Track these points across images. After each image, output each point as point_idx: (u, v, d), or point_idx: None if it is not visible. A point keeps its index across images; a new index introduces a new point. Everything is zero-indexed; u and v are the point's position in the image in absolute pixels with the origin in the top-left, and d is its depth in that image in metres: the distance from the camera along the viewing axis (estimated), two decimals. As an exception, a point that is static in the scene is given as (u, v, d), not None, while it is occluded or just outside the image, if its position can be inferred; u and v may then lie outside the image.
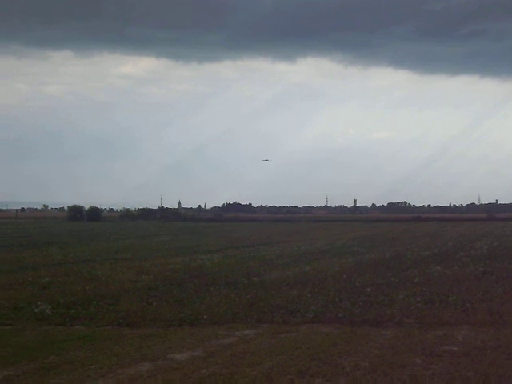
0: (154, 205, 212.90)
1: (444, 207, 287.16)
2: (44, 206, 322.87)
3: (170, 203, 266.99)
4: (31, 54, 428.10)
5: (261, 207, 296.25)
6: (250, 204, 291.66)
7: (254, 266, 38.11)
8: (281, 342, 17.75)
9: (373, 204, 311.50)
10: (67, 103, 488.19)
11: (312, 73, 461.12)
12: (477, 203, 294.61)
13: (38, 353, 16.53)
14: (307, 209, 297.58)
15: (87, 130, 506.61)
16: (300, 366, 14.82)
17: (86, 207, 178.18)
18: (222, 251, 51.76)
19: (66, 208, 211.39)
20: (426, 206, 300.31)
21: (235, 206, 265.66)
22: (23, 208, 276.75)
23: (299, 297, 25.13)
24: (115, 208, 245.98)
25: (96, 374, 14.29)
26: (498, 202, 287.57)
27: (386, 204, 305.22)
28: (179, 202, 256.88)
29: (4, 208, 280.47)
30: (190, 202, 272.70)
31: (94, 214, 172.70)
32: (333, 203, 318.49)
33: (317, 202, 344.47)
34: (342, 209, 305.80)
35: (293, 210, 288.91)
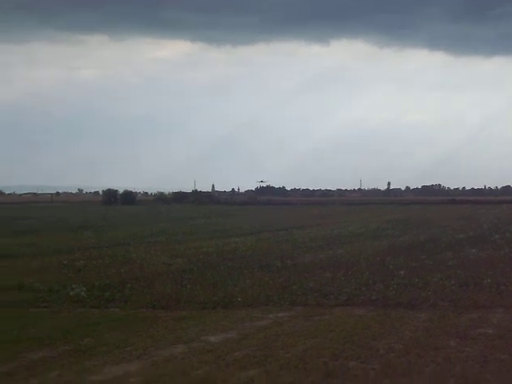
0: (187, 188, 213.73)
1: (479, 190, 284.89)
2: (79, 190, 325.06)
3: (204, 186, 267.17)
4: (66, 38, 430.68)
5: (294, 190, 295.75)
6: (283, 187, 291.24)
7: (287, 248, 38.11)
8: (314, 324, 17.76)
9: (407, 187, 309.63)
10: (101, 87, 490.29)
11: (346, 55, 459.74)
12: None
13: (73, 335, 16.68)
14: (341, 192, 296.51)
15: (121, 115, 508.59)
16: (334, 348, 14.82)
17: (121, 191, 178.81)
18: (255, 234, 51.81)
19: (100, 192, 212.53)
20: (460, 188, 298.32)
21: (268, 190, 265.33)
22: (58, 192, 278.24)
23: (333, 280, 25.09)
24: (149, 192, 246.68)
25: (131, 356, 14.39)
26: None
27: (420, 187, 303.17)
28: (213, 186, 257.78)
29: (40, 192, 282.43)
30: (223, 186, 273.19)
31: (128, 197, 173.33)
32: (366, 186, 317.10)
33: (350, 184, 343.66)
34: (375, 192, 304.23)
35: (326, 193, 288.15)
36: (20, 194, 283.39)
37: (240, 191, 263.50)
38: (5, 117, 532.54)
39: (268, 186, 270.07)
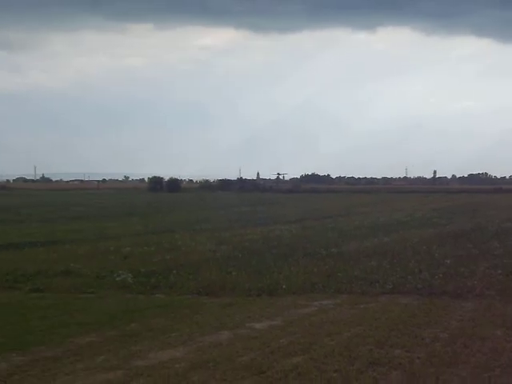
0: (232, 176, 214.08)
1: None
2: (125, 177, 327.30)
3: (249, 174, 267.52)
4: (112, 27, 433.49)
5: (339, 178, 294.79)
6: (328, 175, 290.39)
7: (332, 236, 38.05)
8: (359, 312, 17.75)
9: (453, 175, 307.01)
10: (147, 75, 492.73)
11: (393, 42, 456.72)
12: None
13: (119, 320, 16.86)
14: (386, 180, 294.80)
15: (166, 103, 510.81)
16: (379, 336, 14.80)
17: (166, 178, 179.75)
18: (300, 222, 51.78)
19: (146, 179, 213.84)
20: (507, 177, 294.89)
21: (313, 177, 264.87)
22: (104, 179, 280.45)
23: (378, 268, 25.01)
24: (194, 179, 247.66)
25: (176, 342, 14.50)
26: None
27: (466, 175, 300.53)
28: (258, 173, 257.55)
29: (86, 179, 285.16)
30: (268, 173, 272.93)
31: (174, 184, 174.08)
32: (412, 174, 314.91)
33: (396, 172, 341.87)
34: (421, 180, 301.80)
35: (371, 181, 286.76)
36: (67, 181, 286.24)
37: (285, 179, 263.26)
38: (52, 105, 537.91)
39: (313, 174, 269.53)
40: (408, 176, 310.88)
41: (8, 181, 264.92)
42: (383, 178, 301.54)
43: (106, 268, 25.47)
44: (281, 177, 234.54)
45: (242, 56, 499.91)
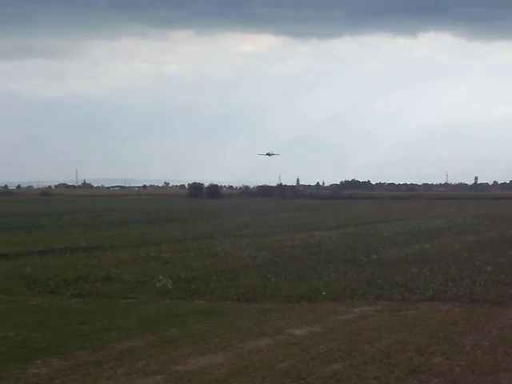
0: (272, 182, 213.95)
1: None
2: (165, 183, 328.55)
3: (289, 180, 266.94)
4: (153, 33, 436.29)
5: (379, 184, 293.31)
6: (368, 181, 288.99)
7: (372, 243, 37.93)
8: (399, 319, 17.68)
9: (494, 181, 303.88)
10: (187, 82, 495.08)
11: (433, 47, 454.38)
12: None
13: (159, 325, 16.95)
14: (427, 186, 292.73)
15: (206, 109, 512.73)
16: (419, 343, 14.73)
17: (206, 184, 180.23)
18: (340, 228, 51.70)
19: (186, 185, 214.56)
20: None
21: (354, 184, 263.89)
22: (145, 185, 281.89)
23: (418, 274, 24.88)
24: (234, 185, 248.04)
25: (216, 348, 14.55)
26: None
27: (508, 181, 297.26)
28: (297, 180, 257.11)
29: (127, 185, 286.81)
30: (308, 180, 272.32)
31: (214, 191, 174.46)
32: (453, 180, 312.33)
33: (436, 179, 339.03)
34: (462, 186, 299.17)
35: (412, 187, 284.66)
36: (108, 187, 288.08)
37: (324, 185, 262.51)
38: (94, 112, 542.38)
39: (353, 181, 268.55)
40: (449, 182, 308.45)
41: (50, 187, 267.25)
42: (424, 184, 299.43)
43: (146, 273, 25.62)
44: (320, 183, 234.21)
45: (281, 62, 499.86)
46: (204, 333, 16.06)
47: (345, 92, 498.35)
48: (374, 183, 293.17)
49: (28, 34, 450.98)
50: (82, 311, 19.12)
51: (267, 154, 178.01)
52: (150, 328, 16.68)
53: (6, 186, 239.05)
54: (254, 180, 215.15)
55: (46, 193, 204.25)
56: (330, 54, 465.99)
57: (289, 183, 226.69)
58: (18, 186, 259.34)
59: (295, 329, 16.48)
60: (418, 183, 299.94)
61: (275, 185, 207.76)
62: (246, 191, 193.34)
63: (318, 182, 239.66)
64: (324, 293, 21.49)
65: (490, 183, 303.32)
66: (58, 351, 14.25)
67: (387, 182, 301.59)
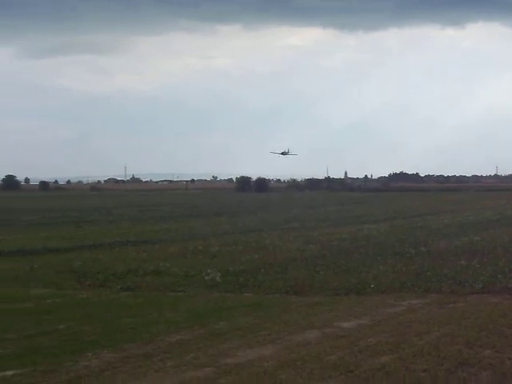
0: (320, 175, 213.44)
1: None
2: (213, 177, 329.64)
3: (337, 173, 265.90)
4: (200, 28, 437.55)
5: (428, 176, 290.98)
6: (417, 173, 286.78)
7: (421, 235, 37.69)
8: (448, 311, 17.56)
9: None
10: (234, 76, 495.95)
11: (482, 38, 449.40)
12: None
13: (208, 318, 17.04)
14: (476, 178, 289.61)
15: (253, 102, 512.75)
16: (468, 336, 14.63)
17: (254, 178, 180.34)
18: (388, 221, 51.47)
19: (234, 179, 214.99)
20: None
21: (402, 176, 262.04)
22: (193, 179, 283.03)
23: (467, 267, 24.66)
24: (282, 179, 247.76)
25: (264, 340, 14.59)
26: None
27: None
28: (345, 172, 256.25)
29: (175, 180, 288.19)
30: (356, 172, 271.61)
31: (262, 184, 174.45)
32: (503, 172, 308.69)
33: (486, 170, 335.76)
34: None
35: (461, 179, 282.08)
36: (156, 182, 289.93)
37: (373, 178, 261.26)
38: (142, 107, 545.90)
39: (401, 173, 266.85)
40: (499, 174, 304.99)
41: (99, 182, 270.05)
42: (473, 176, 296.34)
43: (194, 267, 25.76)
44: (368, 176, 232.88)
45: (328, 55, 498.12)
46: (252, 326, 16.12)
47: (393, 84, 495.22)
48: (422, 175, 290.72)
49: (76, 30, 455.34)
50: (131, 304, 19.31)
51: (282, 154, 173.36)
52: (198, 321, 16.77)
53: (56, 181, 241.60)
54: (302, 173, 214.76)
55: (96, 188, 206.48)
56: (378, 46, 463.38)
57: (336, 176, 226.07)
58: (68, 181, 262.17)
59: (343, 321, 16.47)
60: (468, 175, 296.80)
61: (323, 178, 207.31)
62: (293, 184, 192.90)
63: (365, 175, 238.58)
64: (372, 285, 21.43)
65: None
66: (108, 344, 14.41)
67: (436, 174, 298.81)
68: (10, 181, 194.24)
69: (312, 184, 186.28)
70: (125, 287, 22.31)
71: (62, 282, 23.73)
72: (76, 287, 22.75)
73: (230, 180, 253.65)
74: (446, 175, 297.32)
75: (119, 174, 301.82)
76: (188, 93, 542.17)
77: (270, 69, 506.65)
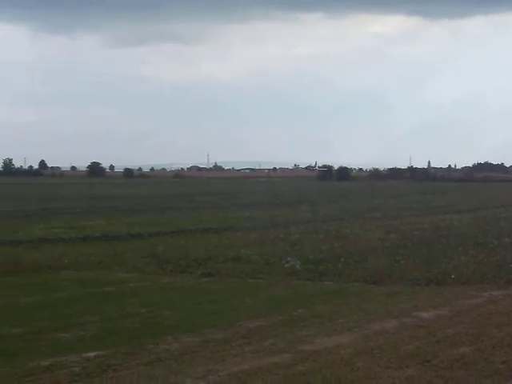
0: (403, 164, 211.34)
1: None
2: (295, 165, 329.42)
3: (420, 163, 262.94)
4: (282, 16, 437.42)
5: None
6: (502, 164, 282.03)
7: (504, 226, 37.16)
8: (531, 304, 17.34)
9: None
10: (317, 64, 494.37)
11: None
12: None
13: (287, 305, 17.16)
14: None
15: (335, 91, 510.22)
16: (550, 328, 14.44)
17: (336, 167, 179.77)
18: (471, 211, 50.85)
19: (316, 167, 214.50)
20: None
21: (486, 166, 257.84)
22: (275, 168, 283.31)
23: (552, 259, 24.26)
24: (364, 168, 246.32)
25: (343, 328, 14.65)
26: None
27: None
28: (429, 162, 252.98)
29: (257, 168, 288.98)
30: (439, 162, 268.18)
31: (343, 173, 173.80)
32: None
33: None
34: None
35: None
36: (238, 170, 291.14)
37: (456, 167, 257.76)
38: (225, 95, 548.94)
39: (486, 163, 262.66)
40: None
41: (182, 169, 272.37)
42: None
43: (275, 255, 25.92)
44: (452, 166, 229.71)
45: (412, 43, 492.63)
46: (331, 313, 16.18)
47: (478, 72, 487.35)
48: (507, 165, 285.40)
49: (160, 19, 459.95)
50: (211, 290, 19.56)
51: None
52: (277, 308, 16.91)
53: (140, 168, 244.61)
54: (385, 162, 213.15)
55: (179, 175, 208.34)
56: (463, 34, 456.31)
57: (419, 166, 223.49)
58: (152, 169, 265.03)
59: (422, 312, 16.40)
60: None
61: (406, 167, 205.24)
62: (375, 174, 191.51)
63: (449, 165, 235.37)
64: (453, 276, 21.26)
65: None
66: (188, 328, 14.64)
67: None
68: (95, 168, 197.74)
69: (394, 173, 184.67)
70: (206, 273, 22.59)
71: (145, 266, 24.14)
72: (158, 272, 23.12)
73: (312, 168, 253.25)
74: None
75: (202, 161, 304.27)
76: (270, 81, 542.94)
77: (352, 56, 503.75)
